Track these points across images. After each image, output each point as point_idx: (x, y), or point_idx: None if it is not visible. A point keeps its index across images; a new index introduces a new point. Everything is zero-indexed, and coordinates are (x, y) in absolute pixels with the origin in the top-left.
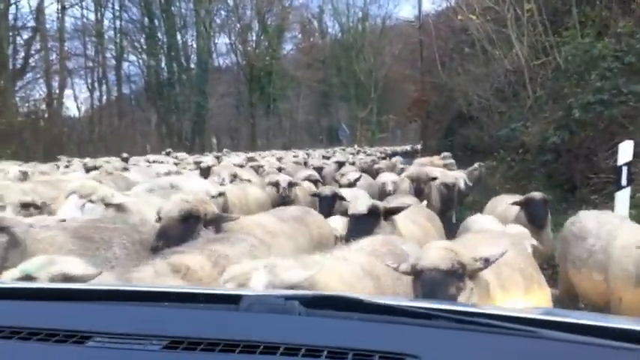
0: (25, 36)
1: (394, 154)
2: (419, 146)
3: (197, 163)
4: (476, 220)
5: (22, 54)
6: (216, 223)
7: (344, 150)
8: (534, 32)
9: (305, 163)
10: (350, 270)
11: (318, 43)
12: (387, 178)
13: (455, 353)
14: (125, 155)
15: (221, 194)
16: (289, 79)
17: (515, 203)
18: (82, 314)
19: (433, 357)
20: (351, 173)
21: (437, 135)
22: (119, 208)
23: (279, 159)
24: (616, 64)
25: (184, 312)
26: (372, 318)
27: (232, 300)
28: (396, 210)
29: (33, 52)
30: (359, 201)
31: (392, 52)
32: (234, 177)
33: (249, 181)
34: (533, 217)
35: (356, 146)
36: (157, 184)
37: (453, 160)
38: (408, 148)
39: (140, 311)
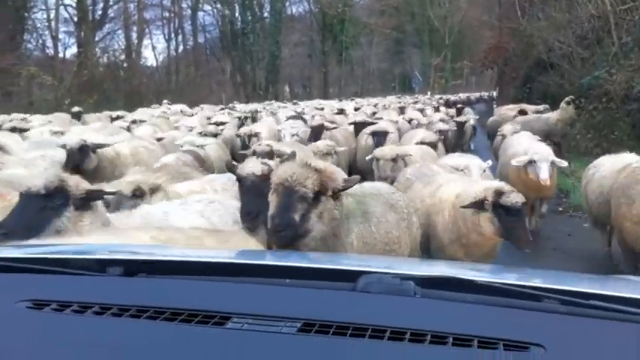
0: None
1: (469, 101)
2: (495, 93)
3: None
4: None
5: (101, 5)
6: None
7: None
8: None
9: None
10: None
11: None
12: None
13: (577, 344)
14: (76, 109)
15: None
16: (362, 27)
17: None
18: (222, 293)
19: (557, 348)
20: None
21: (514, 83)
22: None
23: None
24: None
25: (309, 292)
26: (485, 300)
27: (349, 277)
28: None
29: (111, 3)
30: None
31: None
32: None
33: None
34: None
35: (429, 93)
36: None
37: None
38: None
39: (272, 290)
